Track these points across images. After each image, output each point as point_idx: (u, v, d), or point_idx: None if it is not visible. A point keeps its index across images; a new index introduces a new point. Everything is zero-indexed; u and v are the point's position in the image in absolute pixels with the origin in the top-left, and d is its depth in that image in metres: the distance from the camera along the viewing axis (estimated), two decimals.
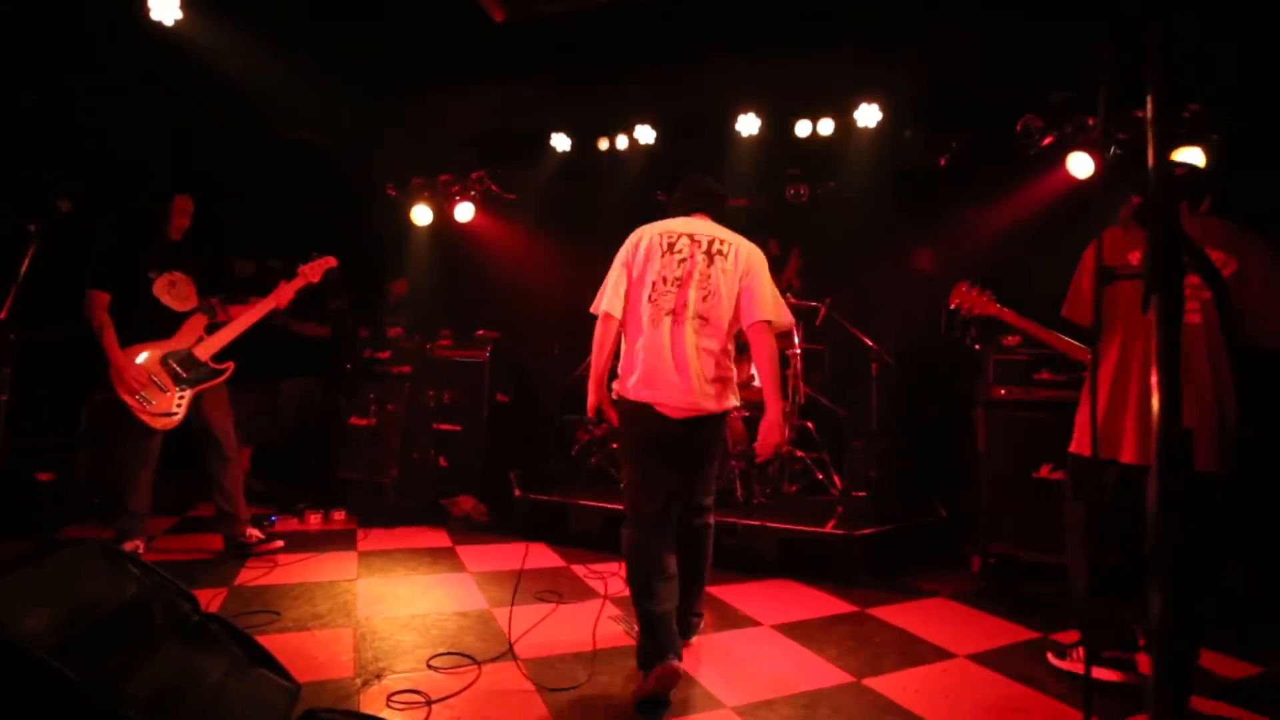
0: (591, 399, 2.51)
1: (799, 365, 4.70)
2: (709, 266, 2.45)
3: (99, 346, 3.26)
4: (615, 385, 2.52)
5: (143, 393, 3.27)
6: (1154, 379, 0.69)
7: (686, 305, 2.40)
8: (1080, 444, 2.40)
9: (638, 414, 2.40)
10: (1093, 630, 2.44)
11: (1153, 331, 0.70)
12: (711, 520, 2.63)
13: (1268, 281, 2.15)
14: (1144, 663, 2.31)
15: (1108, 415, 2.27)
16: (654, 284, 2.45)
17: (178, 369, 3.39)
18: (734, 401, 2.44)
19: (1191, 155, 4.11)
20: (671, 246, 2.50)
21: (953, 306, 2.88)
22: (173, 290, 3.48)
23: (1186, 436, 0.66)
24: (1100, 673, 2.35)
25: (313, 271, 3.74)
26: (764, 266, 2.51)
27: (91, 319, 3.25)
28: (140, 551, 3.29)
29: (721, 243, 2.51)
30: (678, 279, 2.44)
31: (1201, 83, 4.05)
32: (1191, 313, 2.22)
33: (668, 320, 2.40)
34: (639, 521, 2.35)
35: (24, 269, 2.70)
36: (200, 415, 3.48)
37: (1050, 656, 2.56)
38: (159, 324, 3.40)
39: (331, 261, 3.82)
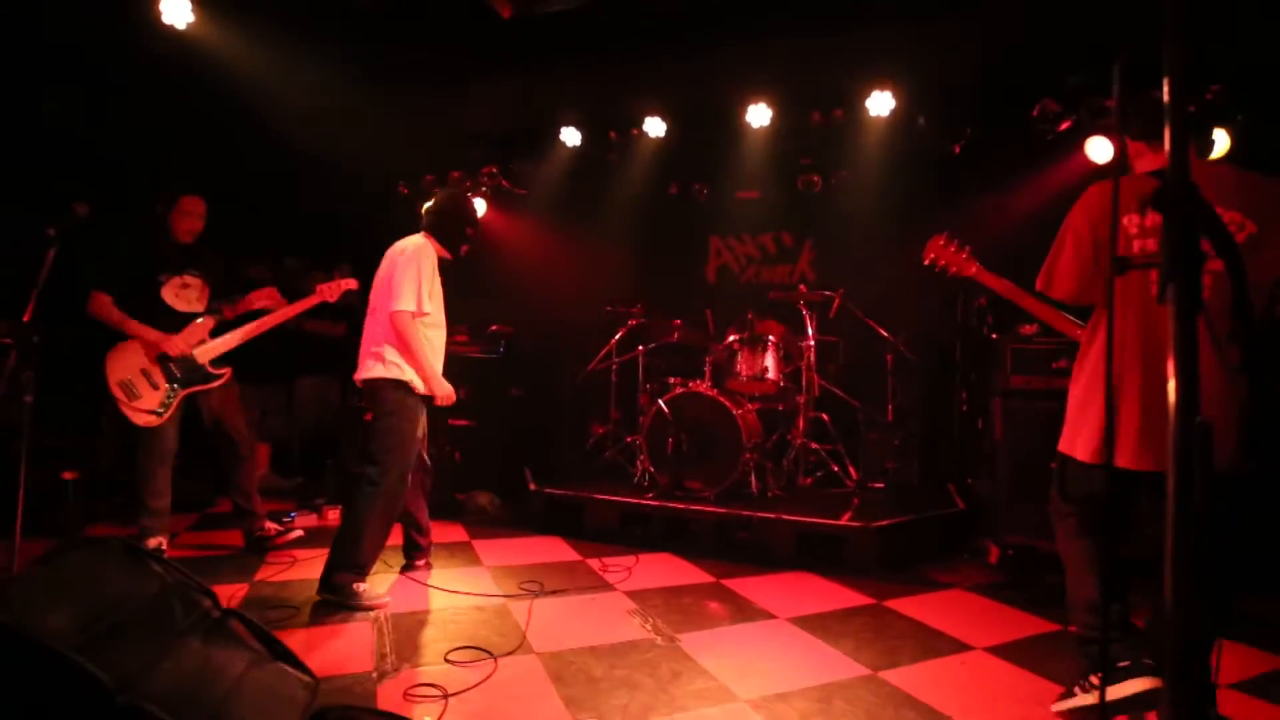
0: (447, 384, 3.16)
1: (813, 357, 4.67)
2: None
3: (123, 337, 3.33)
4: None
5: (133, 384, 3.29)
6: (1170, 373, 0.67)
7: None
8: (1075, 446, 2.12)
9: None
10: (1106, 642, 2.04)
11: (1162, 322, 0.67)
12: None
13: None
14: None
15: (1136, 414, 1.93)
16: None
17: (173, 368, 3.39)
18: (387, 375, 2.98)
19: (1216, 139, 4.02)
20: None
21: (926, 262, 2.60)
22: (183, 292, 3.50)
23: (1206, 435, 0.64)
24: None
25: (330, 291, 3.71)
26: (410, 262, 3.01)
27: (106, 319, 3.30)
28: (164, 548, 3.35)
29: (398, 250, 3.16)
30: None
31: (1226, 62, 3.95)
32: (1204, 289, 1.82)
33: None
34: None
35: (44, 272, 2.75)
36: (213, 414, 3.52)
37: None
38: (163, 324, 3.41)
39: (353, 284, 3.80)
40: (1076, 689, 2.10)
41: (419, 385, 3.02)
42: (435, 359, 3.10)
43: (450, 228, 3.18)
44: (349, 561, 2.87)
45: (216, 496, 4.78)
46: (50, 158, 4.45)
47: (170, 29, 3.91)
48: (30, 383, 2.94)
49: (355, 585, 2.85)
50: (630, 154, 5.51)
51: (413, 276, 2.93)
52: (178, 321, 3.44)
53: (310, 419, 5.54)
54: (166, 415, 3.37)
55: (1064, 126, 4.42)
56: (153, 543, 3.31)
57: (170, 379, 3.39)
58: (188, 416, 3.51)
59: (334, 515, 4.39)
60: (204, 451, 3.65)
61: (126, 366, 3.33)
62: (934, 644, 2.67)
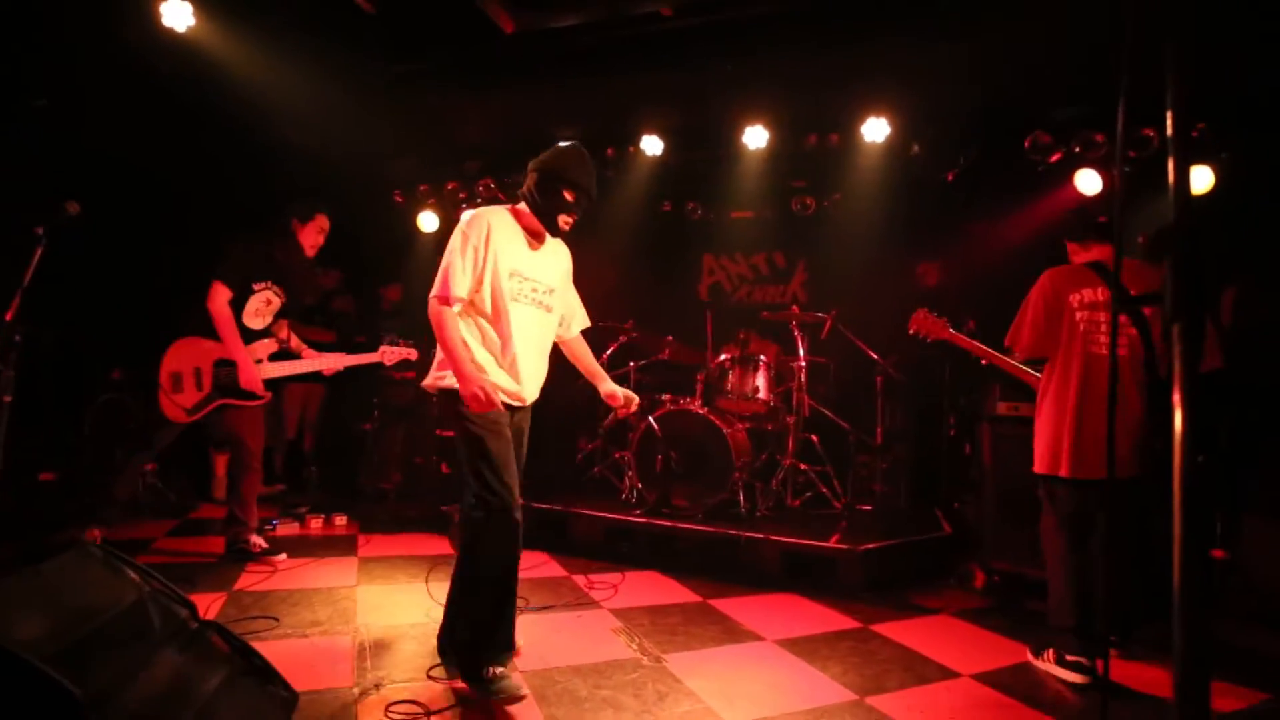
0: (486, 383, 2.33)
1: (804, 378, 4.68)
2: None
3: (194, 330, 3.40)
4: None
5: (181, 378, 3.37)
6: (1176, 405, 0.68)
7: None
8: (1050, 465, 2.69)
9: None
10: (1089, 634, 2.59)
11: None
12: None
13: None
14: (1101, 666, 2.48)
15: (1079, 437, 2.58)
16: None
17: (223, 377, 3.40)
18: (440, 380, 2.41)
19: (1200, 174, 4.11)
20: None
21: (911, 332, 3.10)
22: (265, 309, 3.51)
23: (1207, 472, 0.65)
24: (1065, 673, 2.58)
25: (391, 356, 3.73)
26: (453, 237, 2.37)
27: (212, 308, 3.32)
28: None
29: None
30: None
31: (1209, 101, 4.05)
32: (1121, 347, 2.54)
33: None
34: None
35: (30, 271, 2.71)
36: (233, 428, 3.51)
37: (1030, 655, 2.76)
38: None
39: (413, 354, 3.84)
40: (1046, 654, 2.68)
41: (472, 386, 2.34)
42: (490, 355, 2.42)
43: (543, 188, 2.41)
44: (483, 636, 2.26)
45: (197, 502, 4.72)
46: (41, 156, 4.41)
47: (170, 32, 3.90)
48: (9, 383, 2.89)
49: (492, 670, 2.21)
50: (626, 171, 5.53)
51: (446, 254, 2.35)
52: (246, 336, 3.44)
53: (295, 426, 5.47)
54: (196, 417, 3.41)
55: (1055, 158, 4.50)
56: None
57: (216, 385, 3.41)
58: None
59: (316, 525, 4.33)
60: (185, 458, 3.60)
61: (183, 360, 3.39)
62: (921, 670, 2.66)
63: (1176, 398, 0.68)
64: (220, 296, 3.33)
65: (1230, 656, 2.82)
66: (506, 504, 2.27)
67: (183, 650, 1.60)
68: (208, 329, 3.37)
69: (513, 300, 2.38)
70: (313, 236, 3.62)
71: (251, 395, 3.45)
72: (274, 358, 3.53)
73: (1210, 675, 0.68)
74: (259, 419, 3.59)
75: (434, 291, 2.32)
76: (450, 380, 2.33)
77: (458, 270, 2.30)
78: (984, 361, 3.02)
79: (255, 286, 3.46)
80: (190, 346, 3.41)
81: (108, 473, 3.47)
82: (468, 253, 2.31)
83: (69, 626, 1.37)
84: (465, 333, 2.37)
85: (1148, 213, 3.13)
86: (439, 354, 2.41)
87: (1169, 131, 0.79)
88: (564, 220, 2.42)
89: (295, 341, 3.63)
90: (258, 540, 3.58)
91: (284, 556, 3.60)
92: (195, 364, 3.40)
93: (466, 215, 2.38)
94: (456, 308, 2.33)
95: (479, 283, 2.33)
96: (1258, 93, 3.98)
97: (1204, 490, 0.66)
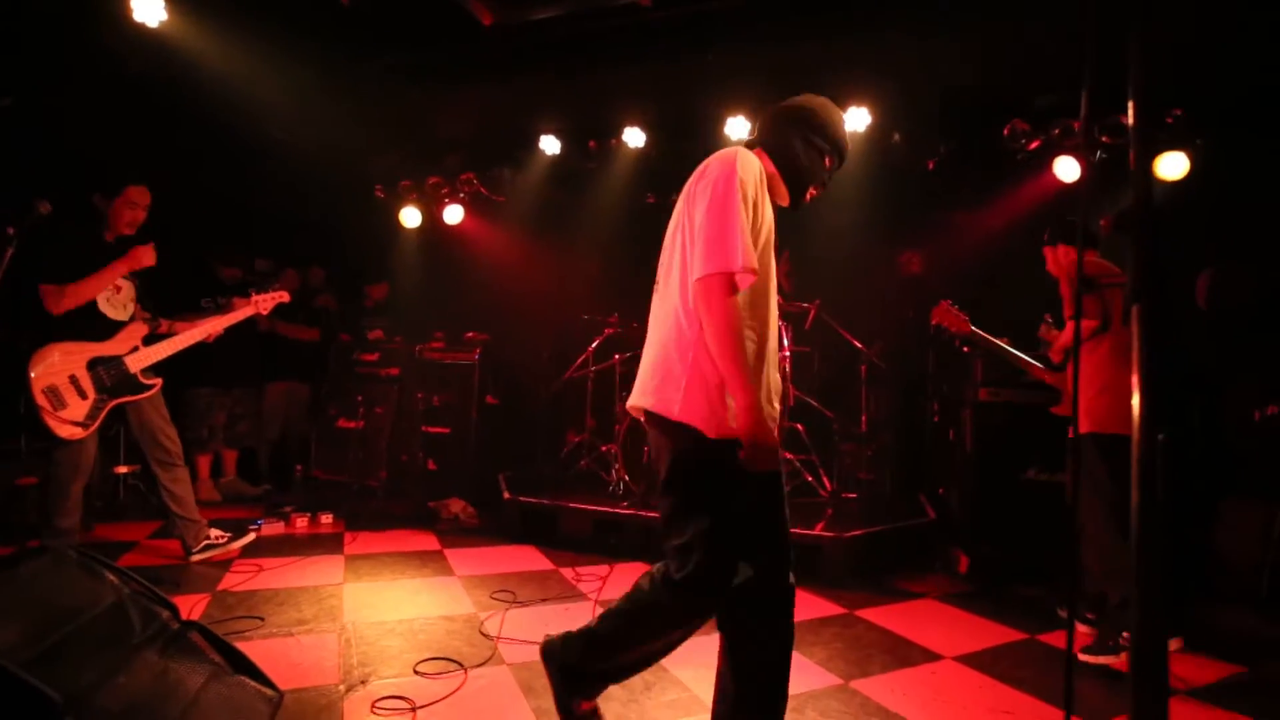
0: (764, 423, 1.52)
1: (788, 367, 4.70)
2: (676, 212, 1.75)
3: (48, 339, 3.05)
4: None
5: (59, 391, 3.01)
6: (1134, 388, 0.69)
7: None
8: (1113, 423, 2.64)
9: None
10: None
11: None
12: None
13: None
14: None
15: (1119, 394, 2.58)
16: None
17: (103, 376, 3.12)
18: (673, 407, 1.58)
19: (1176, 161, 4.16)
20: None
21: (934, 324, 3.08)
22: (115, 297, 3.25)
23: (1166, 451, 0.67)
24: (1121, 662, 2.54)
25: (264, 303, 3.55)
26: (719, 182, 1.56)
27: (55, 310, 3.05)
28: None
29: (699, 172, 1.68)
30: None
31: (1186, 88, 4.10)
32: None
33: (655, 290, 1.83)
34: None
35: (1, 272, 2.66)
36: (144, 424, 3.30)
37: (1081, 654, 2.62)
38: (95, 329, 3.17)
39: (285, 297, 3.65)
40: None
41: (727, 420, 1.55)
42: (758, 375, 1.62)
43: (810, 145, 1.77)
44: (603, 659, 1.84)
45: None
46: (12, 154, 4.32)
47: (141, 27, 3.83)
48: None
49: (585, 704, 1.91)
50: (609, 163, 5.52)
51: (712, 205, 1.54)
52: (107, 328, 3.19)
53: (279, 425, 5.43)
54: (93, 427, 3.08)
55: (1033, 146, 4.54)
56: None
57: (100, 388, 3.10)
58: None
59: (302, 523, 4.30)
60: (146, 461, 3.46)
61: (54, 371, 3.02)
62: (905, 654, 2.69)
63: (1135, 379, 0.69)
64: (52, 298, 3.04)
65: (1207, 633, 2.88)
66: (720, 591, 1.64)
67: (164, 652, 1.59)
68: (65, 332, 3.08)
69: (769, 283, 1.66)
70: (127, 213, 3.27)
71: (142, 387, 3.24)
72: (148, 341, 3.31)
73: (1165, 651, 0.70)
74: (161, 409, 3.37)
75: (709, 266, 1.50)
76: (710, 413, 1.54)
77: (746, 228, 1.51)
78: (1012, 360, 3.03)
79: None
80: (53, 355, 3.04)
81: (46, 499, 3.12)
82: (748, 207, 1.54)
83: (45, 630, 1.36)
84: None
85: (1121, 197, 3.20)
86: (658, 362, 1.64)
87: (1130, 121, 0.81)
88: (813, 192, 1.84)
89: (166, 324, 3.41)
90: (217, 532, 3.47)
91: (252, 537, 3.56)
92: (68, 371, 3.05)
93: (723, 154, 1.64)
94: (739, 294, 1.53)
95: None
96: (1233, 80, 4.04)
97: (1162, 469, 0.68)
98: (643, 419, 1.71)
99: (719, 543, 1.58)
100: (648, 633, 1.78)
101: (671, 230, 1.74)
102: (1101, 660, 2.57)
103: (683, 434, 1.57)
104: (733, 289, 1.50)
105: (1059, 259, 2.95)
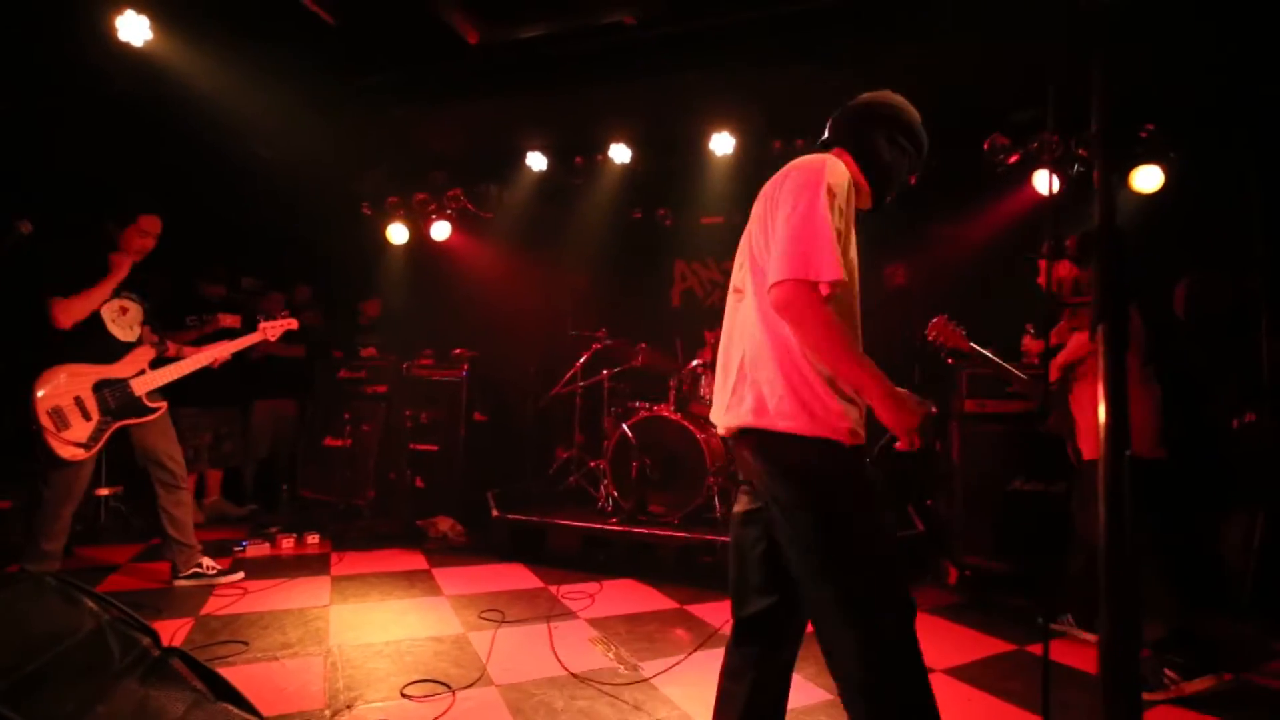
0: (912, 405, 1.45)
1: None
2: (755, 217, 1.62)
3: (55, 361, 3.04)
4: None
5: (64, 412, 3.01)
6: (1100, 404, 0.71)
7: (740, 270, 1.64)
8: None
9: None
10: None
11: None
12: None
13: None
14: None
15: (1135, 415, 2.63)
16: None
17: (108, 399, 3.13)
18: (783, 421, 1.44)
19: (1151, 174, 4.24)
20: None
21: (930, 338, 3.06)
22: (122, 318, 3.26)
23: (1133, 467, 0.69)
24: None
25: (273, 330, 3.60)
26: (805, 188, 1.47)
27: (65, 322, 3.04)
28: None
29: (781, 176, 1.58)
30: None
31: (1159, 101, 4.19)
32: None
33: (731, 300, 1.66)
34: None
35: None
36: (148, 447, 3.30)
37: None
38: (103, 351, 3.19)
39: (293, 324, 3.72)
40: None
41: (852, 422, 1.47)
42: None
43: (897, 144, 1.71)
44: None
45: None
46: None
47: (126, 46, 3.83)
48: None
49: None
50: (595, 179, 5.55)
51: (796, 213, 1.44)
52: (115, 349, 3.21)
53: (265, 444, 5.38)
54: (95, 449, 3.09)
55: (1013, 159, 4.61)
56: None
57: (105, 410, 3.12)
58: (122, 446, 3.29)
59: (288, 544, 4.25)
60: (149, 483, 3.44)
61: (60, 393, 3.03)
62: None
63: (1101, 396, 0.71)
64: (61, 309, 3.04)
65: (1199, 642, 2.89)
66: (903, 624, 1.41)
67: (144, 680, 1.56)
68: (75, 353, 3.10)
69: (856, 293, 1.63)
70: (137, 240, 3.29)
71: (146, 410, 3.25)
72: (154, 365, 3.32)
73: (1137, 660, 0.71)
74: (167, 431, 3.37)
75: (792, 272, 1.39)
76: (822, 417, 1.43)
77: (834, 237, 1.41)
78: (1007, 377, 3.06)
79: None
80: (59, 376, 3.05)
81: (33, 521, 3.09)
82: (834, 214, 1.45)
83: (23, 659, 1.34)
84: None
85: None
86: (772, 372, 1.48)
87: (1094, 142, 0.83)
88: (892, 195, 1.77)
89: (174, 347, 3.44)
90: (209, 562, 3.47)
91: (241, 575, 3.52)
92: (74, 393, 3.06)
93: (809, 160, 1.55)
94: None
95: None
96: (1207, 92, 4.13)
97: (1128, 484, 0.69)
98: (736, 438, 1.56)
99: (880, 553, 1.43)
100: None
101: (755, 238, 1.59)
102: (1158, 696, 2.46)
103: (808, 447, 1.43)
104: (820, 294, 1.40)
105: (1058, 274, 2.94)
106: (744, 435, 1.52)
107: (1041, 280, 3.08)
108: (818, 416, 1.43)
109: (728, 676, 1.65)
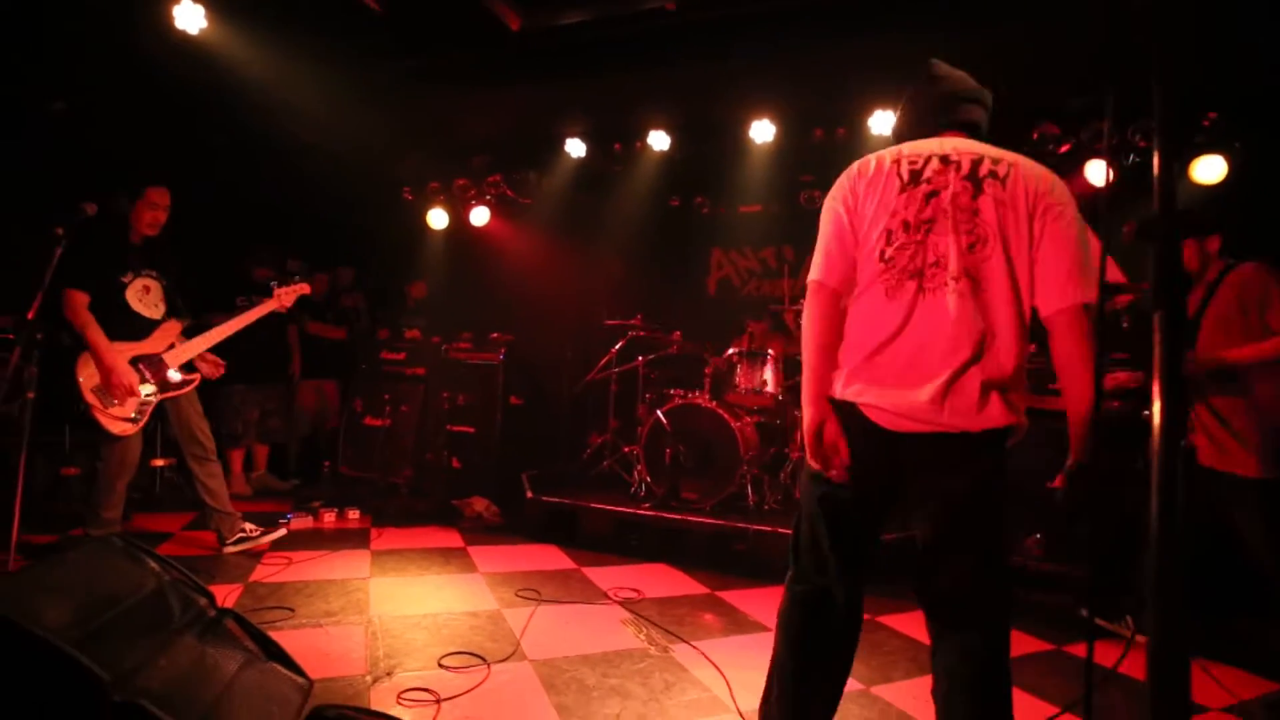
0: (809, 416, 1.67)
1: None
2: (975, 199, 1.58)
3: (85, 346, 3.13)
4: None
5: (115, 393, 3.13)
6: (1155, 395, 0.70)
7: (944, 260, 1.56)
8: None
9: (845, 423, 1.65)
10: None
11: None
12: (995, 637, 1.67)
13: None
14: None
15: None
16: (888, 233, 1.62)
17: (146, 374, 3.25)
18: (1012, 417, 1.57)
19: (1213, 164, 4.07)
20: (915, 175, 1.63)
21: None
22: (146, 297, 3.37)
23: (1189, 457, 0.67)
24: None
25: (285, 296, 3.67)
26: (1074, 208, 1.59)
27: (74, 319, 3.11)
28: None
29: (995, 163, 1.62)
30: (925, 222, 1.59)
31: (1222, 91, 4.01)
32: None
33: (911, 286, 1.59)
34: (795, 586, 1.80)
35: (50, 271, 2.77)
36: (178, 418, 3.41)
37: None
38: (130, 330, 3.27)
39: (305, 288, 3.80)
40: None
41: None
42: None
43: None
44: None
45: None
46: (58, 158, 4.49)
47: (182, 34, 3.96)
48: (33, 379, 2.96)
49: None
50: (633, 166, 5.55)
51: (1076, 220, 1.59)
52: (143, 327, 3.31)
53: (308, 422, 5.55)
54: (141, 423, 3.22)
55: (1064, 149, 4.47)
56: None
57: (142, 384, 3.24)
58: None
59: (330, 518, 4.40)
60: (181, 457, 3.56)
61: (127, 376, 3.17)
62: (926, 660, 2.66)
63: (1156, 387, 0.70)
64: (75, 301, 3.11)
65: (1249, 648, 2.81)
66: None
67: (202, 636, 1.65)
68: (110, 332, 3.17)
69: None
70: (148, 214, 3.34)
71: (182, 383, 3.37)
72: (187, 334, 3.44)
73: (1188, 664, 0.70)
74: (197, 405, 3.49)
75: (1088, 295, 1.53)
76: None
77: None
78: None
79: (123, 279, 3.29)
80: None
81: (91, 492, 3.25)
82: None
83: (92, 613, 1.42)
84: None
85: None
86: (994, 376, 1.55)
87: (1156, 130, 0.81)
88: None
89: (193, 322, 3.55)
90: (250, 526, 3.60)
91: (284, 531, 3.69)
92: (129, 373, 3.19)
93: (1052, 174, 1.69)
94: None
95: None
96: (1272, 82, 3.94)
97: (1180, 478, 0.68)
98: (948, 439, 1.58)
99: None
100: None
101: (992, 227, 1.57)
102: None
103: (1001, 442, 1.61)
104: None
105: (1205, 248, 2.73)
106: (973, 437, 1.58)
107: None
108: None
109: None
